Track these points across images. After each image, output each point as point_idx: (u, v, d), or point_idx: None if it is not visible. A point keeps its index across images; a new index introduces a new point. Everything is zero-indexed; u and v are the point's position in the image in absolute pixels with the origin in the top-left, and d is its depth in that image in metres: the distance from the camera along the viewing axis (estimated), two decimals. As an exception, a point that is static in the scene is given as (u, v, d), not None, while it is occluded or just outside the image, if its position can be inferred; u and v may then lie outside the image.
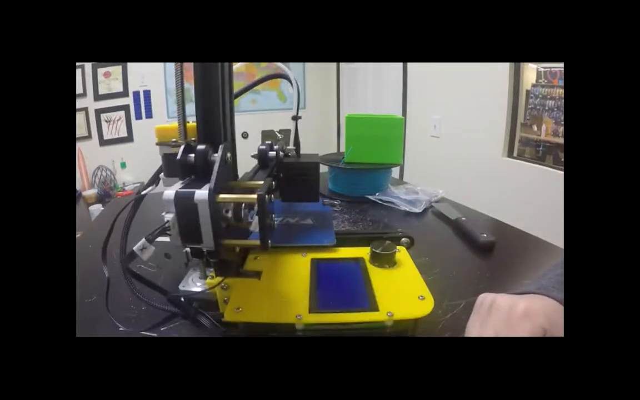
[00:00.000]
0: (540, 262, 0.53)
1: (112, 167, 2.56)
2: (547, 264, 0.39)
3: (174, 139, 0.38)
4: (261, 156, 0.44)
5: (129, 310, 0.38)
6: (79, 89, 2.36)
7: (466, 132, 1.64)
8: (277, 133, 0.54)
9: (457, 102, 1.68)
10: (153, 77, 2.56)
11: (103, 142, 2.52)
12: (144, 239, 0.32)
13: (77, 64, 2.23)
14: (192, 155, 0.31)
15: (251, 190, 0.31)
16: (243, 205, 0.29)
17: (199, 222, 0.27)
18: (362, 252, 0.39)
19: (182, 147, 0.31)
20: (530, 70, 1.34)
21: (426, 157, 1.94)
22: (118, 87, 2.50)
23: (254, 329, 0.31)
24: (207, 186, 0.28)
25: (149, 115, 2.61)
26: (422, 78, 1.93)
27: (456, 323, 0.35)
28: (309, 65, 3.00)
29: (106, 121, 2.51)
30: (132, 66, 2.50)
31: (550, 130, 1.29)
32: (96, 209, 2.19)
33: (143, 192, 0.34)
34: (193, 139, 0.35)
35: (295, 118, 0.55)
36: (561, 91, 1.24)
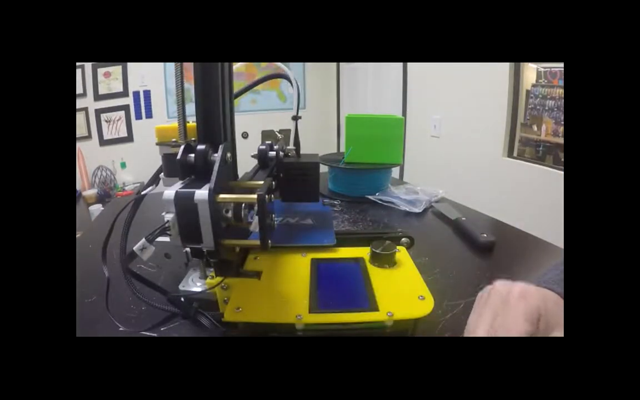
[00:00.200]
0: (540, 262, 0.53)
1: (112, 167, 2.56)
2: (547, 264, 0.39)
3: (174, 139, 0.38)
4: (261, 156, 0.44)
5: (129, 310, 0.38)
6: (79, 89, 2.36)
7: (466, 132, 1.64)
8: (277, 133, 0.54)
9: (457, 102, 1.68)
10: (153, 77, 2.56)
11: (103, 142, 2.52)
12: (144, 239, 0.32)
13: (77, 64, 2.23)
14: (192, 155, 0.31)
15: (251, 190, 0.31)
16: (243, 205, 0.29)
17: (199, 222, 0.27)
18: (362, 252, 0.39)
19: (182, 147, 0.31)
20: (530, 70, 1.34)
21: (426, 157, 1.94)
22: (118, 87, 2.50)
23: (254, 329, 0.31)
24: (207, 186, 0.28)
25: (149, 115, 2.61)
26: (422, 78, 1.93)
27: (456, 323, 0.35)
28: (309, 65, 3.00)
29: (106, 121, 2.51)
30: (132, 66, 2.50)
31: (550, 130, 1.29)
32: (96, 209, 2.19)
33: (143, 192, 0.34)
34: (193, 139, 0.35)
35: (295, 118, 0.55)
36: (561, 91, 1.24)
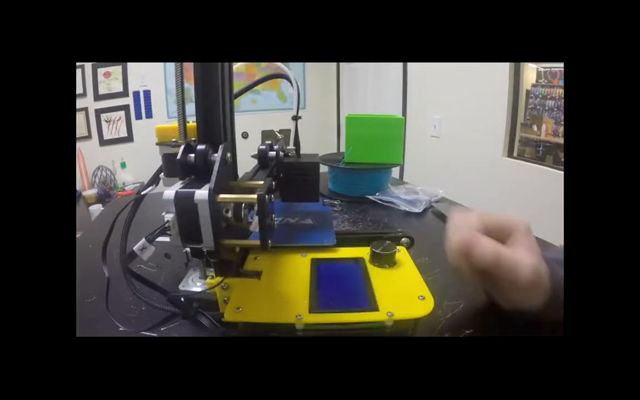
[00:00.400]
0: (540, 262, 0.53)
1: (112, 167, 2.57)
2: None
3: (174, 139, 0.38)
4: (261, 156, 0.44)
5: (129, 310, 0.38)
6: (79, 89, 2.36)
7: (466, 132, 1.64)
8: (277, 133, 0.54)
9: (457, 102, 1.69)
10: (153, 77, 2.56)
11: (103, 142, 2.53)
12: (144, 239, 0.32)
13: (77, 64, 2.23)
14: (192, 155, 0.31)
15: (251, 190, 0.31)
16: (243, 205, 0.29)
17: (199, 222, 0.27)
18: (362, 252, 0.39)
19: (182, 147, 0.31)
20: (530, 70, 1.34)
21: (426, 157, 1.94)
22: (118, 87, 2.50)
23: (254, 329, 0.31)
24: (207, 186, 0.28)
25: (149, 115, 2.61)
26: (422, 78, 1.93)
27: (456, 323, 0.35)
28: (309, 65, 3.00)
29: (106, 121, 2.51)
30: (132, 66, 2.51)
31: (550, 130, 1.29)
32: (96, 209, 2.19)
33: (143, 192, 0.34)
34: (193, 139, 0.35)
35: (295, 118, 0.55)
36: (561, 91, 1.24)
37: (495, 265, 0.29)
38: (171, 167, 0.39)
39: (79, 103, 2.39)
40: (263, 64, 2.54)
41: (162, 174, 0.39)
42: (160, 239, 0.34)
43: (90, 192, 2.40)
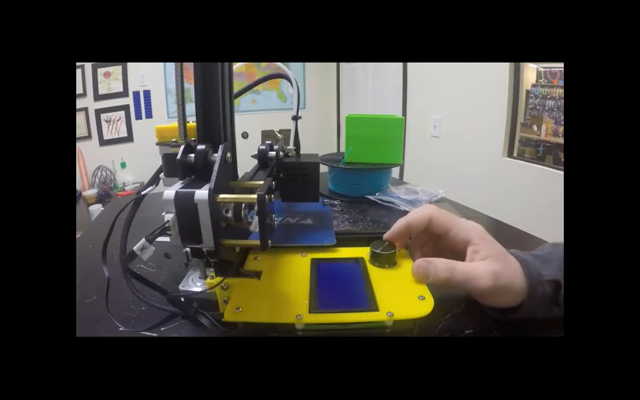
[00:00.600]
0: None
1: (112, 167, 2.57)
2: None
3: (174, 139, 0.38)
4: (261, 156, 0.44)
5: (129, 310, 0.38)
6: (79, 89, 2.36)
7: (466, 132, 1.64)
8: (277, 133, 0.54)
9: (457, 102, 1.69)
10: (153, 77, 2.56)
11: (103, 142, 2.53)
12: (144, 239, 0.32)
13: (77, 64, 2.23)
14: (192, 155, 0.31)
15: (251, 190, 0.31)
16: (243, 205, 0.29)
17: (199, 222, 0.27)
18: (362, 252, 0.39)
19: (182, 147, 0.31)
20: (530, 70, 1.34)
21: (426, 157, 1.94)
22: (118, 87, 2.50)
23: (254, 329, 0.31)
24: (207, 186, 0.28)
25: (149, 115, 2.61)
26: (422, 78, 1.93)
27: (456, 323, 0.35)
28: (309, 65, 3.00)
29: (106, 121, 2.51)
30: (132, 66, 2.51)
31: (550, 130, 1.29)
32: (96, 209, 2.19)
33: (143, 192, 0.34)
34: (193, 139, 0.35)
35: (295, 118, 0.55)
36: (561, 91, 1.24)
37: (451, 281, 0.31)
38: (171, 167, 0.39)
39: (79, 103, 2.39)
40: (263, 64, 2.54)
41: (162, 174, 0.39)
42: (160, 239, 0.34)
43: (90, 192, 2.40)
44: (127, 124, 2.57)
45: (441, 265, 0.31)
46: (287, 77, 0.54)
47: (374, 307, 0.30)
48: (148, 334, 0.34)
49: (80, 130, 2.43)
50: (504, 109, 1.43)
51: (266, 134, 0.53)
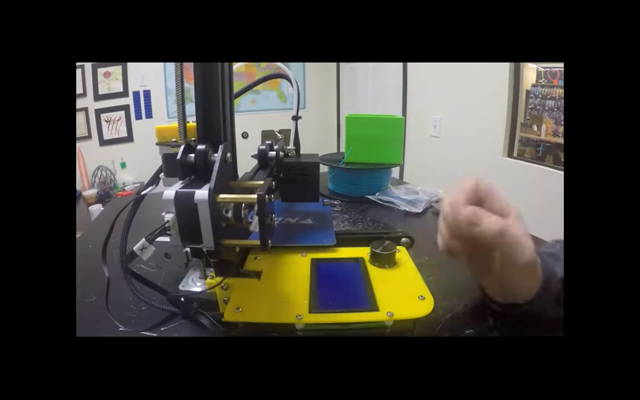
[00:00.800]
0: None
1: (112, 167, 2.56)
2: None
3: (174, 139, 0.38)
4: (261, 156, 0.44)
5: (129, 310, 0.38)
6: (79, 89, 2.36)
7: (466, 132, 1.64)
8: (277, 133, 0.54)
9: (457, 102, 1.68)
10: (153, 77, 2.56)
11: (103, 142, 2.52)
12: (144, 239, 0.32)
13: (77, 64, 2.23)
14: (192, 155, 0.31)
15: (251, 190, 0.31)
16: (243, 205, 0.29)
17: (199, 222, 0.27)
18: (362, 252, 0.39)
19: (182, 147, 0.31)
20: (530, 70, 1.34)
21: (426, 157, 1.94)
22: (118, 87, 2.50)
23: (254, 329, 0.31)
24: (207, 186, 0.28)
25: (149, 115, 2.61)
26: (422, 78, 1.93)
27: (456, 323, 0.35)
28: (309, 65, 3.00)
29: (106, 121, 2.51)
30: (132, 66, 2.50)
31: (550, 130, 1.29)
32: (96, 209, 2.19)
33: (143, 192, 0.34)
34: (193, 139, 0.35)
35: (295, 118, 0.55)
36: (561, 91, 1.24)
37: (500, 238, 0.28)
38: (171, 167, 0.39)
39: (79, 103, 2.39)
40: (263, 64, 2.54)
41: (162, 174, 0.39)
42: (160, 239, 0.34)
43: (90, 192, 2.40)
44: (127, 124, 2.57)
45: (494, 218, 0.29)
46: (287, 77, 0.54)
47: (374, 307, 0.30)
48: (148, 334, 0.34)
49: (80, 130, 2.43)
50: (504, 109, 1.43)
51: (266, 134, 0.53)
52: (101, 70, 2.43)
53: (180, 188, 0.28)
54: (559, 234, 0.29)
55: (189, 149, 0.31)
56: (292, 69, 2.09)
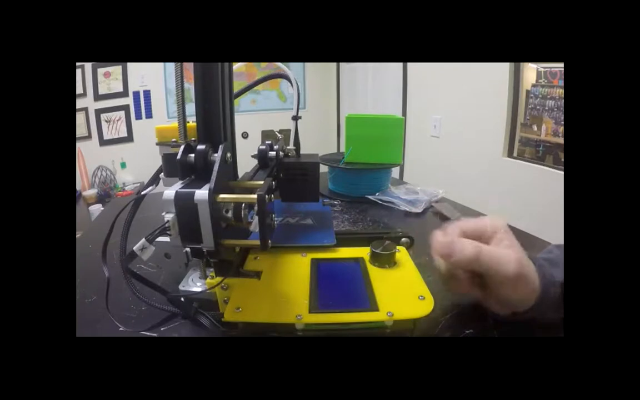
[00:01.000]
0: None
1: (112, 167, 2.57)
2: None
3: (174, 139, 0.38)
4: (261, 156, 0.44)
5: (129, 310, 0.38)
6: (79, 89, 2.36)
7: (466, 132, 1.64)
8: (277, 133, 0.54)
9: (457, 102, 1.69)
10: (153, 77, 2.56)
11: (103, 142, 2.52)
12: (144, 239, 0.32)
13: (77, 64, 2.23)
14: (192, 155, 0.31)
15: (251, 190, 0.31)
16: (243, 205, 0.29)
17: (199, 222, 0.27)
18: (362, 252, 0.39)
19: (182, 147, 0.31)
20: (530, 70, 1.34)
21: (426, 157, 1.94)
22: (118, 87, 2.50)
23: (254, 329, 0.31)
24: (207, 186, 0.28)
25: (149, 115, 2.61)
26: (422, 78, 1.93)
27: (456, 323, 0.35)
28: (309, 65, 3.00)
29: (106, 121, 2.51)
30: (132, 66, 2.51)
31: (550, 130, 1.29)
32: (96, 209, 2.19)
33: (143, 192, 0.34)
34: (193, 139, 0.35)
35: (295, 118, 0.55)
36: (561, 91, 1.24)
37: (477, 261, 0.29)
38: (171, 167, 0.39)
39: (79, 103, 2.39)
40: (263, 64, 2.54)
41: (162, 174, 0.39)
42: (160, 239, 0.34)
43: (90, 192, 2.40)
44: (127, 124, 2.57)
45: (468, 244, 0.30)
46: (287, 77, 0.54)
47: (374, 307, 0.30)
48: (148, 334, 0.34)
49: (80, 130, 2.43)
50: (504, 109, 1.43)
51: (266, 134, 0.53)
52: (101, 70, 2.43)
53: (180, 188, 0.28)
54: (559, 234, 0.29)
55: (189, 149, 0.31)
56: (292, 69, 2.09)
